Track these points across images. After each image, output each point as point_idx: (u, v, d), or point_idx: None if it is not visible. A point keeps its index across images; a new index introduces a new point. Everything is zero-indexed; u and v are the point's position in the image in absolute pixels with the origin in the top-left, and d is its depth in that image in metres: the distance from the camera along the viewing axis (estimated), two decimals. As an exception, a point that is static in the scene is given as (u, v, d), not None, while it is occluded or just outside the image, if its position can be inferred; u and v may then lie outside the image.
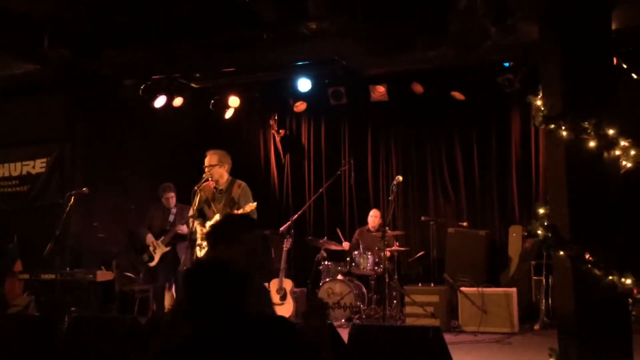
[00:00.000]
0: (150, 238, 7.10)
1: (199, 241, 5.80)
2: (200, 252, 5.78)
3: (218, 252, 2.68)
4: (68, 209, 6.42)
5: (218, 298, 2.16)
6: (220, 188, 5.83)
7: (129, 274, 7.70)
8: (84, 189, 6.65)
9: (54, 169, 8.20)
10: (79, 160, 8.18)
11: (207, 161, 5.82)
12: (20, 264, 7.71)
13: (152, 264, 7.07)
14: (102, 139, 8.25)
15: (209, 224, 5.77)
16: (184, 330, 2.14)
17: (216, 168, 5.78)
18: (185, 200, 6.76)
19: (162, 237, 7.04)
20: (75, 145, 8.21)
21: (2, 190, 8.43)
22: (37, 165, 8.27)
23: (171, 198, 7.22)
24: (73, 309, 6.81)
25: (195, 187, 5.80)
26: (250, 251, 2.66)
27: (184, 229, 6.93)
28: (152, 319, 5.93)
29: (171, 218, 7.14)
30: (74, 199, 6.47)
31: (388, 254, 7.42)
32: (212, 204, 5.85)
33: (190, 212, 5.91)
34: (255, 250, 2.68)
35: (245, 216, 5.06)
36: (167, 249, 7.00)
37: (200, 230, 5.78)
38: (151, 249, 7.07)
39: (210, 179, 5.80)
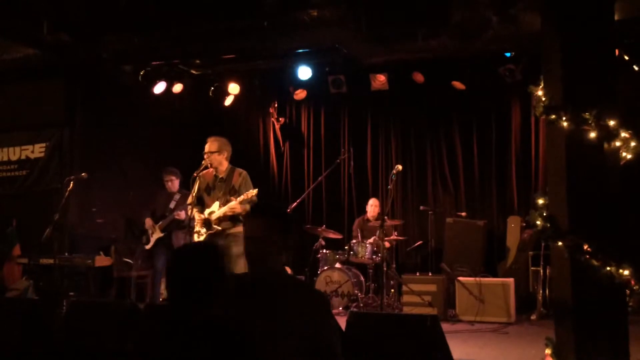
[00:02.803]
0: (149, 222, 7.12)
1: (197, 228, 5.81)
2: (198, 239, 5.80)
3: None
4: (67, 193, 6.41)
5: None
6: (221, 176, 5.84)
7: (127, 259, 7.71)
8: (82, 174, 6.63)
9: (53, 154, 8.19)
10: (78, 145, 8.17)
11: (207, 147, 5.82)
12: (18, 248, 7.72)
13: (148, 246, 7.07)
14: (101, 125, 8.23)
15: (207, 211, 5.78)
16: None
17: (215, 155, 5.78)
18: (186, 186, 6.76)
19: (160, 222, 7.05)
20: (74, 131, 8.19)
21: (1, 174, 8.42)
22: (37, 150, 8.26)
23: (170, 182, 7.20)
24: (71, 293, 6.84)
25: (195, 174, 5.80)
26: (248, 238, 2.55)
27: (182, 214, 6.92)
28: (148, 304, 5.95)
29: (172, 204, 7.12)
30: (72, 184, 6.45)
31: (387, 244, 7.44)
32: (211, 192, 5.85)
33: (189, 200, 5.91)
34: (254, 237, 2.50)
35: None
36: (162, 234, 6.99)
37: (198, 217, 5.78)
38: (149, 232, 7.08)
39: (209, 165, 5.81)
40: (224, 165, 5.85)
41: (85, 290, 7.15)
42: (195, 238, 5.82)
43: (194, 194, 5.83)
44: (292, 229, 2.62)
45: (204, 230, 5.76)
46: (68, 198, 6.43)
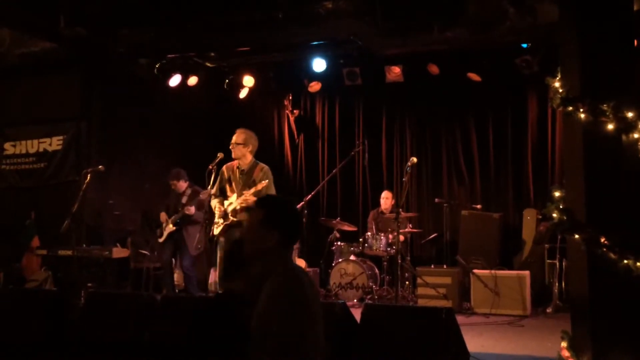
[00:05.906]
0: (163, 216, 7.20)
1: (216, 219, 5.87)
2: (216, 230, 5.85)
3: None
4: (84, 186, 6.48)
5: None
6: (243, 169, 5.89)
7: (143, 251, 7.79)
8: (99, 166, 6.71)
9: (70, 147, 8.27)
10: (94, 138, 8.25)
11: (233, 138, 5.91)
12: (37, 240, 7.83)
13: (161, 239, 7.16)
14: (118, 118, 8.29)
15: (226, 202, 5.83)
16: None
17: (240, 147, 5.85)
18: (199, 177, 6.78)
19: (173, 217, 7.11)
20: (91, 123, 8.26)
21: (19, 167, 8.53)
22: (54, 143, 8.34)
23: (173, 185, 7.24)
24: (89, 284, 6.93)
25: (210, 166, 5.85)
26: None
27: (191, 209, 6.94)
28: (165, 295, 6.01)
29: (184, 199, 7.16)
30: (90, 176, 6.52)
31: (402, 237, 7.43)
32: (232, 184, 5.90)
33: (213, 191, 5.96)
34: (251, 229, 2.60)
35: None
36: (174, 228, 7.05)
37: (219, 208, 5.83)
38: (163, 225, 7.18)
39: (233, 157, 5.87)
40: (248, 158, 5.90)
41: (103, 281, 7.24)
42: (214, 228, 5.88)
43: (211, 186, 5.88)
44: (279, 224, 2.58)
45: (221, 220, 5.83)
46: (85, 190, 6.50)
